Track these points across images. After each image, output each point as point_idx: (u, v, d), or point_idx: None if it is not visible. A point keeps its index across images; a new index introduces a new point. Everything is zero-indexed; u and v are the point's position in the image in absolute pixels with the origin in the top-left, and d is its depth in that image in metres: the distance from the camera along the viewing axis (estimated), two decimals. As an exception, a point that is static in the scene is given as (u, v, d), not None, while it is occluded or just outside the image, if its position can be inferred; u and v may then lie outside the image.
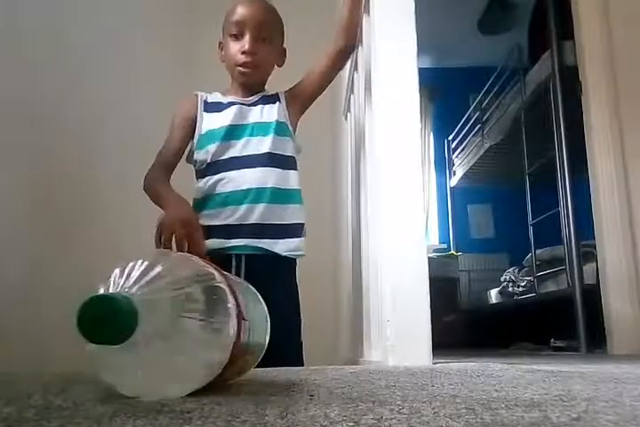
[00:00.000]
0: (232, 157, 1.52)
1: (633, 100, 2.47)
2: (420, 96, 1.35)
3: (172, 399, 0.56)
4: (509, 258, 5.26)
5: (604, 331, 2.35)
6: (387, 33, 1.39)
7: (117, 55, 2.84)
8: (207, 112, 1.58)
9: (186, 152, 1.59)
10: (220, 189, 1.50)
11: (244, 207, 1.47)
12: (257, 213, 1.47)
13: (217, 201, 1.49)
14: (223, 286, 0.62)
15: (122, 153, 2.66)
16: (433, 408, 0.51)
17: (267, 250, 1.47)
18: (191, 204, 1.52)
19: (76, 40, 2.84)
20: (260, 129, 1.55)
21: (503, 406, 0.53)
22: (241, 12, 1.54)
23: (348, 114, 2.24)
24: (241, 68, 1.55)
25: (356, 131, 1.96)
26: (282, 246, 1.49)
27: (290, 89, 1.64)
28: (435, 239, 5.78)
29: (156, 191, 1.46)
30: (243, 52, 1.52)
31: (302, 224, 1.55)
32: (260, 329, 0.72)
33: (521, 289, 4.20)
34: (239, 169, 1.50)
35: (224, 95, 1.62)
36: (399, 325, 1.20)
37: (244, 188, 1.48)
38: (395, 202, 1.29)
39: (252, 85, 1.61)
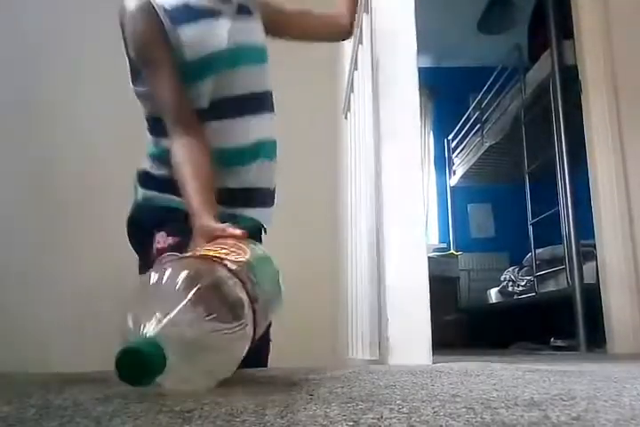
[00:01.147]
0: (238, 96, 1.16)
1: (633, 100, 2.47)
2: (420, 95, 1.35)
3: (171, 399, 0.56)
4: (509, 257, 5.26)
5: (604, 330, 2.35)
6: (387, 32, 1.39)
7: (117, 55, 2.83)
8: (179, 23, 1.10)
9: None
10: (216, 143, 1.13)
11: (252, 167, 1.18)
12: (262, 175, 1.20)
13: (218, 158, 1.12)
14: (243, 296, 0.65)
15: (122, 152, 2.65)
16: (433, 408, 0.51)
17: (256, 221, 1.22)
18: (148, 160, 1.20)
19: (76, 40, 2.84)
20: (256, 52, 1.21)
21: (503, 405, 0.53)
22: None
23: (348, 113, 2.24)
24: None
25: (357, 130, 1.96)
26: (267, 215, 1.25)
27: (264, 4, 1.28)
28: (435, 239, 5.78)
29: (185, 175, 1.04)
30: None
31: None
32: (273, 288, 0.77)
33: (521, 288, 4.20)
34: (245, 114, 1.17)
35: None
36: (399, 324, 1.20)
37: (252, 141, 1.17)
38: (395, 201, 1.29)
39: None
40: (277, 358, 1.50)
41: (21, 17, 2.76)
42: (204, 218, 0.95)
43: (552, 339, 3.18)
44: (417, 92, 1.35)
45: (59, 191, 2.72)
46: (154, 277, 0.64)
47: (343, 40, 1.59)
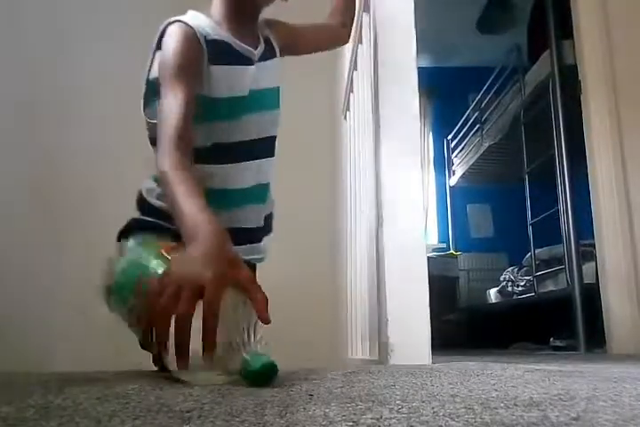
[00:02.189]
0: (243, 141, 1.15)
1: (632, 99, 2.47)
2: (420, 95, 1.35)
3: (171, 399, 0.56)
4: (509, 257, 5.26)
5: (604, 330, 2.35)
6: (386, 32, 1.39)
7: (118, 55, 2.83)
8: (214, 64, 1.08)
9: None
10: (214, 184, 1.11)
11: (246, 208, 1.18)
12: (254, 214, 1.20)
13: (220, 200, 1.07)
14: None
15: (122, 152, 2.65)
16: (432, 408, 0.51)
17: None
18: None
19: (77, 40, 2.84)
20: (272, 98, 1.21)
21: (502, 405, 0.53)
22: None
23: (348, 113, 2.24)
24: None
25: (356, 130, 1.96)
26: (256, 249, 1.24)
27: (282, 29, 1.28)
28: (434, 239, 5.78)
29: (176, 194, 0.90)
30: None
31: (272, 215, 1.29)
32: None
33: (520, 289, 4.20)
34: (255, 159, 1.16)
35: (231, 34, 1.14)
36: (399, 324, 1.20)
37: (250, 185, 1.17)
38: (394, 201, 1.29)
39: (255, 10, 1.20)
40: (277, 359, 1.50)
41: (21, 16, 2.76)
42: (210, 220, 0.84)
43: (551, 339, 3.18)
44: (416, 92, 1.35)
45: (59, 191, 2.72)
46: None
47: (344, 44, 1.57)
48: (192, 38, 1.06)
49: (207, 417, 0.47)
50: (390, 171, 1.31)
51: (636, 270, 2.35)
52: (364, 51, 1.72)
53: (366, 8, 1.64)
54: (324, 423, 0.45)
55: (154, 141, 1.06)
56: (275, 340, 1.48)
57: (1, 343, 2.23)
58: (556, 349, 3.04)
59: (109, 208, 2.71)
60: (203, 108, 1.05)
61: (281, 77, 1.23)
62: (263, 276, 1.57)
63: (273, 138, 1.21)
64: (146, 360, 1.31)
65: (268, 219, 1.26)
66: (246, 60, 1.14)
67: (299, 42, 1.32)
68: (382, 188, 1.33)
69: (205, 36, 1.08)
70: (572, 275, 2.85)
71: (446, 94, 5.61)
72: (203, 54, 1.07)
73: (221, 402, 0.55)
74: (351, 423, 0.44)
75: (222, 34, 1.12)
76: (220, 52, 1.09)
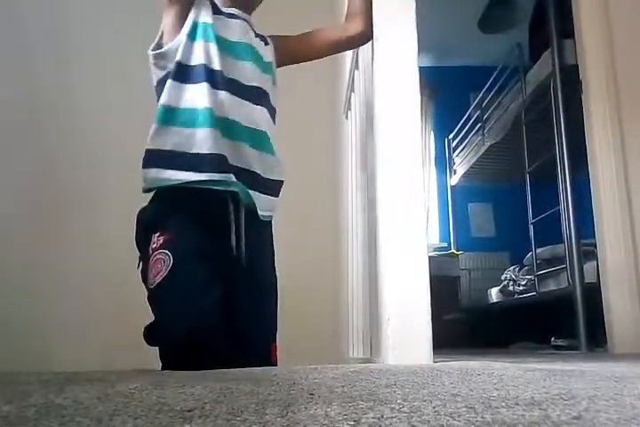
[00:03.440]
0: (236, 80, 1.26)
1: (633, 99, 2.47)
2: (421, 95, 1.35)
3: (172, 398, 0.56)
4: (510, 257, 5.26)
5: (605, 330, 2.35)
6: (387, 32, 1.39)
7: (118, 54, 2.83)
8: (211, 10, 1.31)
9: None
10: (222, 111, 1.22)
11: (243, 147, 1.25)
12: (254, 159, 1.27)
13: (207, 122, 1.19)
14: None
15: (123, 152, 2.65)
16: (433, 407, 0.51)
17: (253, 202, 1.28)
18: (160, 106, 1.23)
19: (77, 39, 2.84)
20: (265, 64, 1.36)
21: (504, 404, 0.53)
22: None
23: (349, 112, 2.24)
24: None
25: (357, 129, 1.96)
26: (266, 203, 1.32)
27: (280, 37, 1.45)
28: (435, 238, 5.78)
29: None
30: None
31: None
32: None
33: (521, 288, 4.20)
34: (242, 98, 1.26)
35: (220, 4, 1.37)
36: (400, 323, 1.20)
37: (247, 124, 1.26)
38: (395, 201, 1.29)
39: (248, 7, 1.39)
40: (278, 358, 1.50)
41: (21, 16, 2.76)
42: None
43: (553, 338, 3.18)
44: (417, 92, 1.35)
45: (59, 191, 2.72)
46: None
47: (364, 44, 1.57)
48: None
49: (208, 416, 0.47)
50: (391, 170, 1.31)
51: (637, 270, 2.35)
52: (366, 50, 1.72)
53: (367, 7, 1.64)
54: (325, 423, 0.45)
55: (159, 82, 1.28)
56: (277, 339, 1.48)
57: (1, 343, 2.23)
58: (558, 348, 3.04)
59: (110, 208, 2.72)
60: (192, 27, 1.26)
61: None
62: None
63: (262, 90, 1.32)
64: (146, 360, 1.31)
65: (276, 184, 1.34)
66: (231, 17, 1.33)
67: (297, 47, 1.45)
68: (383, 187, 1.33)
69: None
70: (573, 274, 2.84)
71: (447, 94, 5.60)
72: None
73: (222, 401, 0.55)
74: (352, 423, 0.44)
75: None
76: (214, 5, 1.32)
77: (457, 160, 5.71)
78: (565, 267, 3.02)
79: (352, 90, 2.12)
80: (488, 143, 4.77)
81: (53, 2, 2.86)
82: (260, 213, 1.27)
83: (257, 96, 1.29)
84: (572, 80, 2.73)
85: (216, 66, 1.23)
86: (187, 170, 1.17)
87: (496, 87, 4.55)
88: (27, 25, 2.74)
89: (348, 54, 2.16)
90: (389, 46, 1.38)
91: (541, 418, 0.46)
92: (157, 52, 1.26)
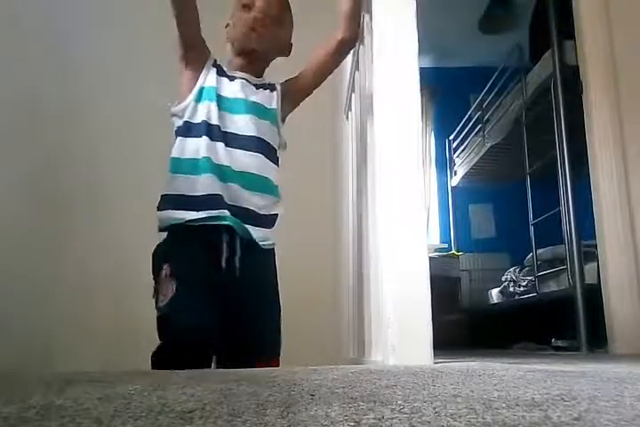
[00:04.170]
0: (230, 132, 1.46)
1: (634, 100, 2.47)
2: (421, 96, 1.35)
3: (172, 399, 0.56)
4: (510, 258, 5.26)
5: (606, 330, 2.35)
6: (387, 32, 1.39)
7: (118, 55, 2.83)
8: (216, 74, 1.52)
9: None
10: (218, 159, 1.42)
11: (236, 188, 1.42)
12: (246, 198, 1.44)
13: (206, 168, 1.41)
14: None
15: (123, 153, 2.65)
16: (434, 408, 0.51)
17: (247, 231, 1.44)
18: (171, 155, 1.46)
19: (79, 42, 2.84)
20: (262, 111, 1.52)
21: (504, 405, 0.53)
22: None
23: (349, 113, 2.24)
24: (253, 33, 1.52)
25: (357, 130, 1.96)
26: (259, 234, 1.46)
27: (287, 81, 1.62)
28: (436, 239, 5.78)
29: None
30: (255, 18, 1.52)
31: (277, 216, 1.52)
32: None
33: (522, 289, 4.20)
34: (235, 147, 1.45)
35: (227, 68, 1.57)
36: (400, 324, 1.20)
37: (239, 170, 1.43)
38: (395, 201, 1.29)
39: (257, 61, 1.58)
40: (280, 358, 1.50)
41: (21, 16, 2.76)
42: None
43: (553, 339, 3.18)
44: (418, 93, 1.35)
45: (59, 192, 2.72)
46: None
47: (349, 49, 1.67)
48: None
49: (209, 417, 0.47)
50: (391, 171, 1.31)
51: (637, 271, 2.35)
52: (366, 51, 1.72)
53: (367, 8, 1.64)
54: (325, 424, 0.45)
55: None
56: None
57: (1, 343, 2.23)
58: (558, 349, 3.04)
59: (110, 208, 2.72)
60: (199, 91, 1.48)
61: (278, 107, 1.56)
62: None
63: (261, 139, 1.49)
64: (146, 361, 1.31)
65: (270, 217, 1.50)
66: (234, 79, 1.53)
67: (297, 84, 1.60)
68: (383, 188, 1.33)
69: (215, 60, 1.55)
70: (573, 275, 2.84)
71: (448, 94, 5.61)
72: (210, 56, 1.53)
73: (223, 402, 0.54)
74: (353, 424, 0.44)
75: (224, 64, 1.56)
76: (220, 69, 1.54)
77: (457, 161, 5.71)
78: (566, 268, 3.02)
79: (352, 90, 2.12)
80: (488, 144, 4.77)
81: (53, 2, 2.87)
82: (258, 242, 1.44)
83: (250, 144, 1.47)
84: (572, 81, 2.74)
85: (214, 121, 1.45)
86: (190, 210, 1.39)
87: (496, 88, 4.55)
88: (27, 25, 2.75)
89: (349, 55, 2.16)
90: (389, 47, 1.38)
91: (542, 419, 0.46)
92: (172, 111, 1.51)
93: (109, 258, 2.62)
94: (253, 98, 1.53)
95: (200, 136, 1.44)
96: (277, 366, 1.43)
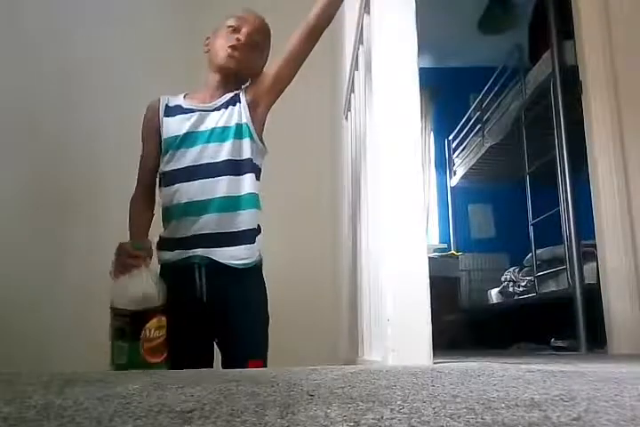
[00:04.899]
0: (187, 167, 1.53)
1: (633, 100, 2.47)
2: (421, 96, 1.35)
3: (172, 399, 0.56)
4: (510, 258, 5.26)
5: (605, 331, 2.35)
6: (387, 33, 1.39)
7: (119, 56, 2.83)
8: (167, 117, 1.59)
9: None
10: (177, 199, 1.52)
11: (202, 219, 1.50)
12: (211, 223, 1.50)
13: (175, 213, 1.52)
14: None
15: (123, 153, 2.65)
16: (433, 408, 0.51)
17: (214, 260, 1.51)
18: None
19: (79, 42, 2.84)
20: (218, 135, 1.55)
21: (503, 405, 0.53)
22: (245, 13, 1.62)
23: (349, 113, 2.24)
24: (229, 50, 1.55)
25: (357, 130, 1.96)
26: (228, 254, 1.51)
27: (252, 83, 1.63)
28: (435, 239, 5.78)
29: (129, 219, 1.58)
30: (238, 39, 1.56)
31: (254, 229, 1.55)
32: None
33: (521, 289, 4.20)
34: (196, 179, 1.51)
35: (187, 99, 1.62)
36: (399, 324, 1.20)
37: (202, 199, 1.50)
38: (395, 202, 1.29)
39: (229, 77, 1.60)
40: (278, 358, 1.50)
41: (22, 16, 2.76)
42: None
43: (552, 339, 3.18)
44: (417, 93, 1.35)
45: (59, 192, 2.72)
46: None
47: (317, 31, 1.60)
48: (152, 105, 1.62)
49: (208, 417, 0.47)
50: (391, 170, 1.31)
51: (637, 271, 2.35)
52: (366, 51, 1.72)
53: (367, 9, 1.64)
54: (324, 424, 0.45)
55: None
56: (276, 339, 1.48)
57: (1, 343, 2.23)
58: (557, 349, 3.04)
59: (110, 208, 2.71)
60: (162, 148, 1.56)
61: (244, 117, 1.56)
62: (266, 276, 1.57)
63: (222, 162, 1.52)
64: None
65: (244, 233, 1.54)
66: (188, 112, 1.57)
67: (263, 83, 1.60)
68: (383, 188, 1.33)
69: (167, 103, 1.61)
70: (573, 275, 2.84)
71: (447, 95, 5.61)
72: (156, 114, 1.59)
73: (222, 402, 0.55)
74: (352, 424, 0.44)
75: (180, 99, 1.61)
76: (172, 109, 1.59)
77: (457, 161, 5.71)
78: (565, 268, 3.02)
79: (352, 91, 2.12)
80: (488, 144, 4.77)
81: (53, 2, 2.87)
82: (228, 263, 1.50)
83: (206, 171, 1.51)
84: (571, 81, 2.74)
85: (171, 167, 1.53)
86: (169, 250, 1.53)
87: (496, 88, 4.55)
88: (27, 25, 2.75)
89: (348, 55, 2.16)
90: (389, 47, 1.38)
91: (541, 419, 0.46)
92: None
93: (109, 258, 2.61)
94: (208, 127, 1.56)
95: (168, 185, 1.55)
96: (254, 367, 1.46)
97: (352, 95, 2.13)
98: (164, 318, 1.36)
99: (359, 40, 1.83)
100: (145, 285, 1.36)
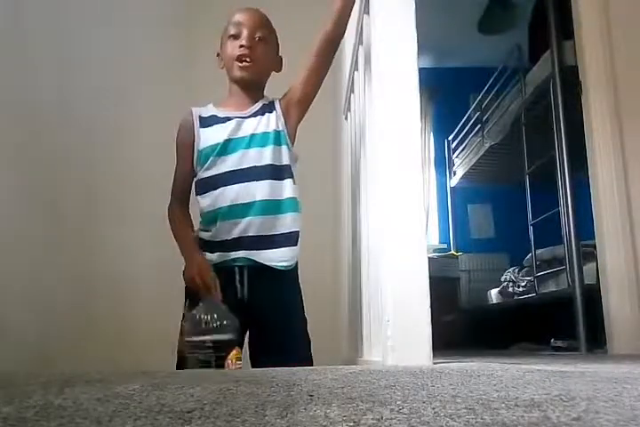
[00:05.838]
0: (228, 172, 1.56)
1: (633, 100, 2.47)
2: (421, 96, 1.35)
3: (171, 399, 0.56)
4: (509, 258, 5.26)
5: (605, 331, 2.35)
6: (387, 33, 1.39)
7: (119, 56, 2.83)
8: (203, 127, 1.62)
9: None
10: (219, 204, 1.55)
11: (244, 221, 1.53)
12: (254, 226, 1.54)
13: (217, 216, 1.55)
14: None
15: (123, 153, 2.65)
16: (433, 408, 0.51)
17: (257, 261, 1.55)
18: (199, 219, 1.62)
19: (79, 42, 2.84)
20: (258, 140, 1.59)
21: (503, 406, 0.53)
22: (239, 14, 1.64)
23: (349, 113, 2.24)
24: (238, 63, 1.59)
25: (357, 130, 1.96)
26: (271, 256, 1.55)
27: (285, 95, 1.67)
28: (435, 239, 5.78)
29: (176, 237, 1.59)
30: (241, 46, 1.59)
31: (296, 232, 1.61)
32: None
33: (521, 289, 4.20)
34: (238, 183, 1.55)
35: (219, 108, 1.66)
36: (399, 325, 1.20)
37: (244, 202, 1.54)
38: (395, 202, 1.29)
39: (251, 86, 1.65)
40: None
41: (22, 16, 2.76)
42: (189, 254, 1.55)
43: (552, 339, 3.18)
44: (417, 93, 1.35)
45: (59, 193, 2.72)
46: None
47: (335, 43, 1.64)
48: (185, 121, 1.65)
49: (208, 418, 0.47)
50: (391, 171, 1.31)
51: (636, 271, 2.35)
52: (365, 51, 1.72)
53: (367, 9, 1.64)
54: (324, 424, 0.45)
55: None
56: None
57: (1, 343, 2.23)
58: (557, 349, 3.04)
59: (109, 208, 2.72)
60: (198, 157, 1.59)
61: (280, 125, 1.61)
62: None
63: (265, 166, 1.57)
64: (146, 361, 1.31)
65: (286, 236, 1.59)
66: (225, 120, 1.60)
67: (294, 94, 1.64)
68: (383, 188, 1.33)
69: (200, 115, 1.64)
70: (572, 275, 2.84)
71: (447, 95, 5.60)
72: (191, 130, 1.62)
73: (222, 402, 0.55)
74: (352, 424, 0.44)
75: (213, 109, 1.65)
76: (207, 119, 1.62)
77: (456, 161, 5.70)
78: (565, 268, 3.02)
79: (352, 91, 2.12)
80: (488, 144, 4.76)
81: (53, 2, 2.87)
82: (271, 264, 1.55)
83: (247, 175, 1.56)
84: (571, 81, 2.73)
85: (211, 173, 1.57)
86: (210, 252, 1.56)
87: (496, 88, 4.54)
88: (27, 25, 2.75)
89: (348, 55, 2.17)
90: (389, 47, 1.38)
91: (541, 419, 0.46)
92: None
93: (109, 259, 2.62)
94: (244, 134, 1.60)
95: (207, 191, 1.59)
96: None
97: (352, 95, 2.13)
98: (240, 349, 1.39)
99: (359, 40, 1.83)
100: (223, 315, 1.38)
